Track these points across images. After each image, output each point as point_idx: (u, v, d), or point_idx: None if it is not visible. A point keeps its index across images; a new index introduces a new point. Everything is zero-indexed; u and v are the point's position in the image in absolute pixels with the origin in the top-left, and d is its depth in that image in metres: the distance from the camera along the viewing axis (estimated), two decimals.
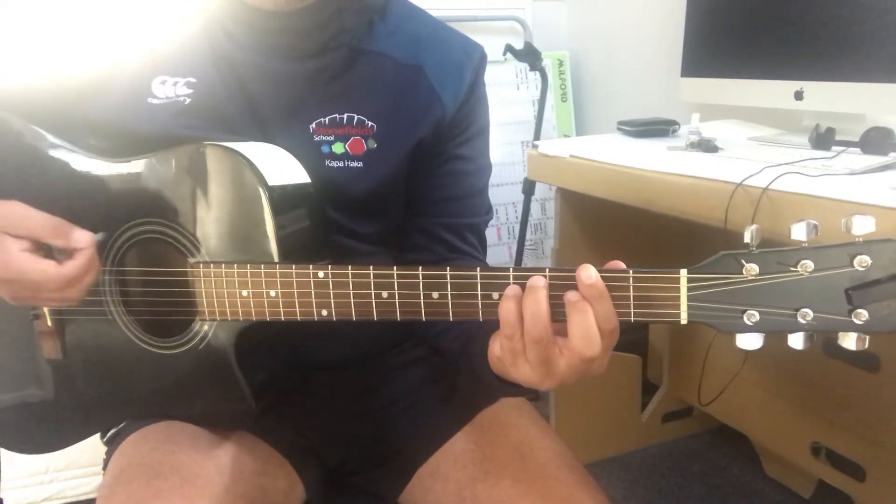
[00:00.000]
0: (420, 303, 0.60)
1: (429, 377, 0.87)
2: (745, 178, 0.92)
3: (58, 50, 0.74)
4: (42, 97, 0.74)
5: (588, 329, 0.54)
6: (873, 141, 1.05)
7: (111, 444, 0.79)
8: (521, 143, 2.18)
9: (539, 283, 0.55)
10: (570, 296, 0.54)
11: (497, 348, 0.59)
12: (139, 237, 0.70)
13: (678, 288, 0.54)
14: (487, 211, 0.88)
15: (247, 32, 0.74)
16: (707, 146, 1.17)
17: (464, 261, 0.84)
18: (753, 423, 1.59)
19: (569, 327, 0.54)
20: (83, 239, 0.64)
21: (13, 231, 0.62)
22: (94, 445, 0.82)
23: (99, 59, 0.74)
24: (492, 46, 2.00)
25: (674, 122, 1.39)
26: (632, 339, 1.85)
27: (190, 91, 0.74)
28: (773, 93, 1.30)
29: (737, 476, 1.65)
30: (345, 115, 0.76)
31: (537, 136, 2.02)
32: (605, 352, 0.56)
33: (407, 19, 0.81)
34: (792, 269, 0.52)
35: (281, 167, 0.70)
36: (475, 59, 0.82)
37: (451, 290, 0.59)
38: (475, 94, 0.82)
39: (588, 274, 0.53)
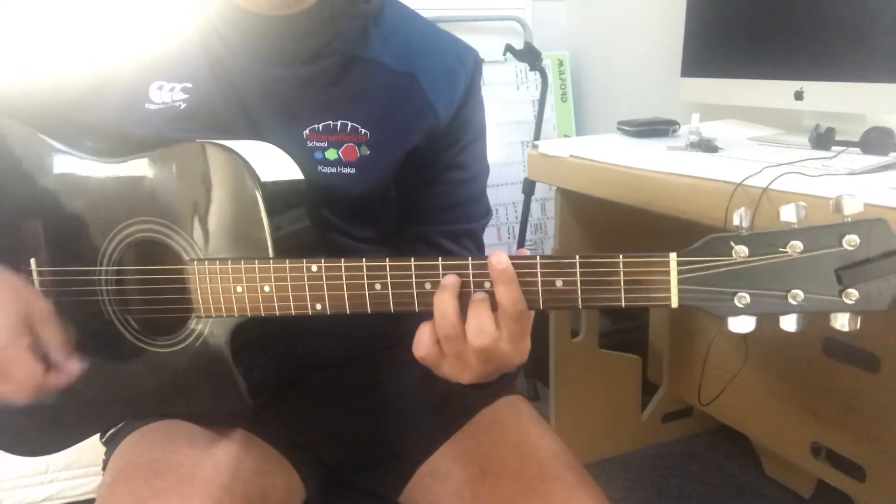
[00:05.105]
0: (413, 293, 0.60)
1: (427, 376, 0.86)
2: (745, 178, 0.92)
3: (55, 54, 0.74)
4: (39, 101, 0.74)
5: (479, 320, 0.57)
6: (873, 141, 1.05)
7: (110, 444, 0.79)
8: (521, 143, 2.17)
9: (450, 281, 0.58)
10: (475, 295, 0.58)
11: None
12: (135, 236, 0.70)
13: (668, 272, 0.54)
14: (486, 213, 0.87)
15: (242, 37, 0.75)
16: (707, 146, 1.17)
17: None
18: (753, 423, 1.59)
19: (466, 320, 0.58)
20: (74, 368, 0.67)
21: (31, 328, 0.64)
22: (93, 446, 0.82)
23: (96, 63, 0.74)
24: (492, 46, 2.01)
25: (674, 122, 1.39)
26: (631, 339, 1.85)
27: (186, 96, 0.74)
28: (773, 93, 1.29)
29: (737, 476, 1.65)
30: (338, 122, 0.76)
31: (537, 136, 2.02)
32: (512, 338, 0.58)
33: (401, 25, 0.81)
34: (781, 250, 0.51)
35: (274, 164, 0.70)
36: (469, 64, 0.81)
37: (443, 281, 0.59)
38: (471, 101, 0.82)
39: (499, 259, 0.57)
